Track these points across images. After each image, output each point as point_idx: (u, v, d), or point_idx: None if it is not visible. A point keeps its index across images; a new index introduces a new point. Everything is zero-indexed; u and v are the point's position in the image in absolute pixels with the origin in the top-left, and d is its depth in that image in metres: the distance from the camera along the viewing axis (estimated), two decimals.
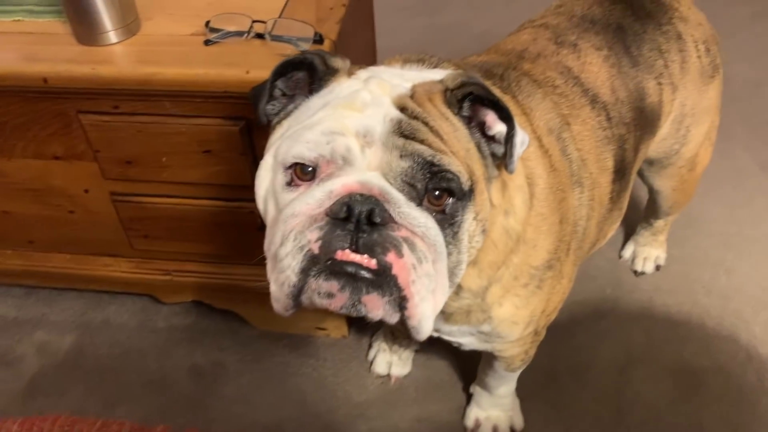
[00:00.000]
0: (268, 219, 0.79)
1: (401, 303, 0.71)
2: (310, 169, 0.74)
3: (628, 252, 1.61)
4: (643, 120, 1.11)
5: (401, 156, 0.72)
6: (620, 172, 1.08)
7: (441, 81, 0.79)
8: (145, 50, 1.14)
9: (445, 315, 0.94)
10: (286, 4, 1.21)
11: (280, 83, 0.82)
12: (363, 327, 1.48)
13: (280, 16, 1.17)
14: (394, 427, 1.34)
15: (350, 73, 0.81)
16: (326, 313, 1.41)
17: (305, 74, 0.81)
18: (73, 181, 1.30)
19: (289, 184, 0.75)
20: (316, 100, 0.79)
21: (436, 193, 0.73)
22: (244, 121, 1.14)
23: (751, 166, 1.82)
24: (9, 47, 1.17)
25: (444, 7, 2.51)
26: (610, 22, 1.11)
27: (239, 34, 1.13)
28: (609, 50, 1.08)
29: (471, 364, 1.38)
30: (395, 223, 0.70)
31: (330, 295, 0.71)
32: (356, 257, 0.69)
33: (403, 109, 0.74)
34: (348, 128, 0.72)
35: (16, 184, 1.33)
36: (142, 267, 1.45)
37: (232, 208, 1.28)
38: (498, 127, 0.77)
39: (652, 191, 1.40)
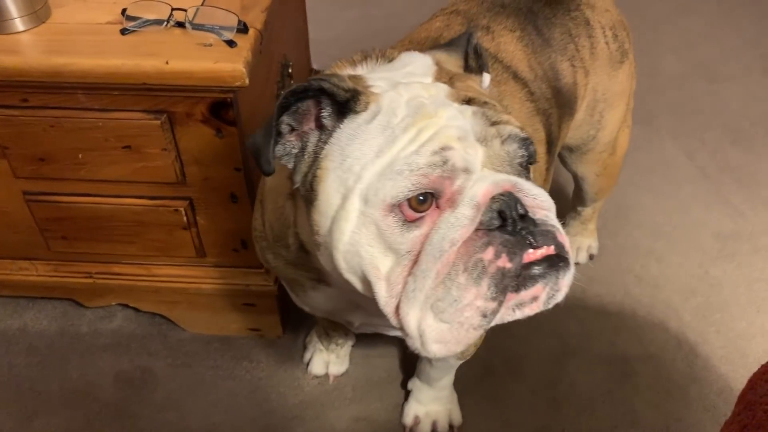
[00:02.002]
0: (381, 270, 0.71)
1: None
2: (427, 196, 0.69)
3: None
4: (562, 99, 1.12)
5: (502, 143, 0.72)
6: (550, 144, 1.09)
7: (452, 58, 0.82)
8: (56, 39, 1.06)
9: None
10: None
11: (286, 118, 0.74)
12: (298, 326, 1.45)
13: (202, 4, 1.11)
14: (331, 428, 1.30)
15: (366, 88, 0.75)
16: (260, 313, 1.38)
17: (312, 104, 0.74)
18: None
19: (406, 221, 0.69)
20: (365, 127, 0.72)
21: (526, 162, 0.75)
22: (165, 114, 1.08)
23: (679, 155, 1.86)
24: None
25: None
26: (520, 6, 1.12)
27: (158, 22, 1.07)
28: (522, 31, 1.09)
29: (409, 360, 1.36)
30: (531, 206, 0.70)
31: (534, 299, 0.70)
32: (544, 251, 0.69)
33: (467, 100, 0.74)
34: (450, 138, 0.69)
35: None
36: (62, 270, 1.38)
37: (156, 207, 1.21)
38: (486, 81, 0.84)
39: (576, 178, 1.42)
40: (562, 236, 0.71)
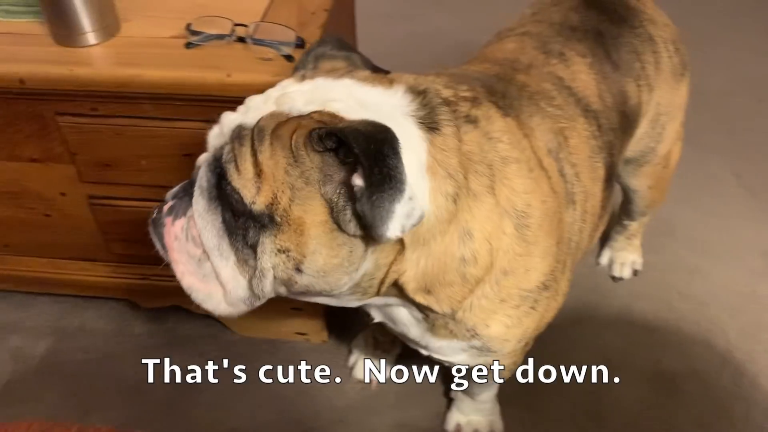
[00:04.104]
0: None
1: None
2: None
3: (605, 258, 1.63)
4: (626, 123, 1.12)
5: (219, 148, 0.77)
6: (609, 180, 1.08)
7: (312, 116, 0.75)
8: (125, 52, 1.13)
9: (426, 326, 0.93)
10: (268, 8, 1.21)
11: None
12: (343, 332, 1.48)
13: (261, 20, 1.17)
14: None
15: (301, 78, 0.82)
16: (306, 317, 1.42)
17: None
18: (49, 184, 1.28)
19: None
20: None
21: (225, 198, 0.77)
22: None
23: (725, 173, 1.85)
24: None
25: (425, 15, 2.52)
26: (588, 27, 1.12)
27: (220, 37, 1.12)
28: (593, 57, 1.09)
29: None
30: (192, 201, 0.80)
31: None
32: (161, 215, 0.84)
33: (261, 120, 0.75)
34: (223, 119, 0.80)
35: None
36: (120, 271, 1.44)
37: None
38: (357, 181, 0.69)
39: (628, 191, 1.42)
40: (170, 220, 0.83)
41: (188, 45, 1.12)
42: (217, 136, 0.80)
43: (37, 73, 1.10)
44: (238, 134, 0.75)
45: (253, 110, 0.78)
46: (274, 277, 0.76)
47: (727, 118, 2.02)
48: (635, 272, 1.60)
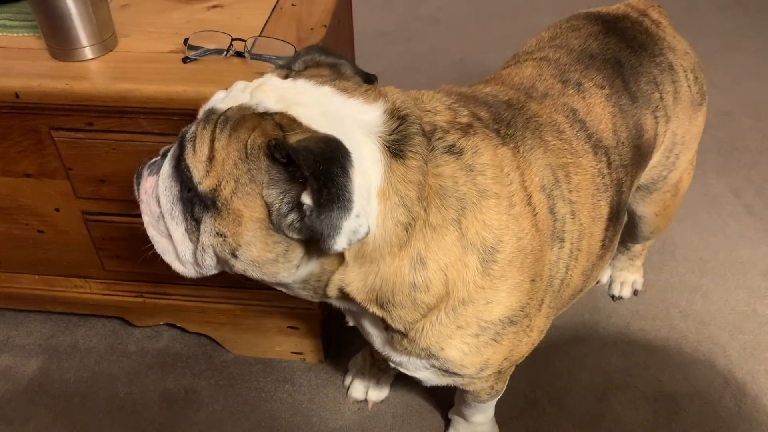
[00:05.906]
0: None
1: None
2: None
3: (605, 277, 1.61)
4: (639, 157, 1.10)
5: (191, 125, 0.80)
6: (615, 218, 1.05)
7: (275, 122, 0.75)
8: (122, 67, 1.12)
9: (386, 337, 0.93)
10: (266, 23, 1.21)
11: None
12: (340, 351, 1.46)
13: (260, 35, 1.16)
14: None
15: (285, 75, 0.84)
16: (303, 336, 1.40)
17: None
18: (43, 199, 1.27)
19: None
20: None
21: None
22: None
23: (725, 192, 1.84)
24: None
25: (422, 34, 2.53)
26: (608, 56, 1.09)
27: (218, 52, 1.12)
28: (610, 88, 1.06)
29: (449, 389, 1.36)
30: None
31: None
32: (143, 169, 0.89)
33: (229, 111, 0.78)
34: (233, 87, 0.82)
35: None
36: (114, 289, 1.42)
37: None
38: (306, 200, 0.70)
39: (633, 217, 1.40)
40: (146, 178, 0.88)
41: (186, 60, 1.11)
42: (220, 100, 0.81)
43: (32, 87, 1.09)
44: (206, 117, 0.79)
45: (230, 97, 0.80)
46: (215, 254, 0.80)
47: (726, 137, 2.02)
48: (635, 292, 1.58)
